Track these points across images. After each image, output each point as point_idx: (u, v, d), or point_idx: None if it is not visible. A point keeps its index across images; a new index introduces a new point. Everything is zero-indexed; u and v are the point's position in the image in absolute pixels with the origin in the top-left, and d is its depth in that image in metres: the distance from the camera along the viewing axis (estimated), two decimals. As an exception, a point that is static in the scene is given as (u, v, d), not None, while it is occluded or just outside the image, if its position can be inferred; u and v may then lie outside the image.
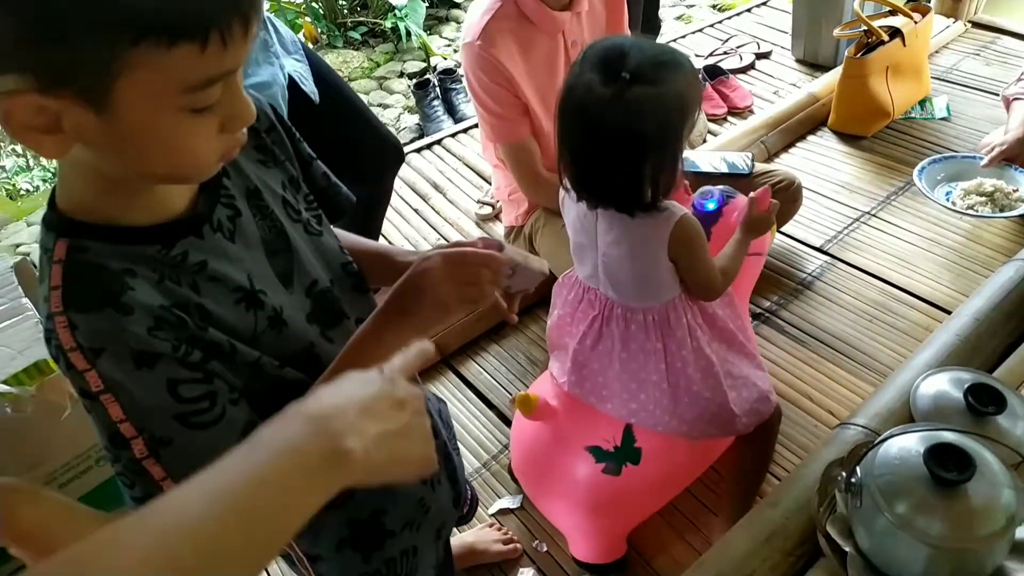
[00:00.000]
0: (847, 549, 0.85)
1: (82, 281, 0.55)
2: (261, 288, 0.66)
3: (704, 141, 2.43)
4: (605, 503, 1.30)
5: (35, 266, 1.37)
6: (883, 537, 0.81)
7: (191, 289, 0.60)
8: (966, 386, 0.98)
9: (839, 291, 1.91)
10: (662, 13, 3.22)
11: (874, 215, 2.13)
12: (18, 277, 1.23)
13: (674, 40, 3.13)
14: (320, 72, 1.60)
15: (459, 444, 1.37)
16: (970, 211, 1.92)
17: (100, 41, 0.47)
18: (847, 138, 2.42)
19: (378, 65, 3.64)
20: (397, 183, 2.46)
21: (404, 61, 3.63)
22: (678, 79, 1.01)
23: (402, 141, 2.94)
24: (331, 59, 3.44)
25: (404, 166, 2.55)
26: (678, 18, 3.70)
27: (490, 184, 2.36)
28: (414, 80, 3.25)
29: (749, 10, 3.27)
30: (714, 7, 3.70)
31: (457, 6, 3.99)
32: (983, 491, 0.78)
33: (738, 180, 1.74)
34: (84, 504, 1.11)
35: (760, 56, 2.91)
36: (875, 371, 1.70)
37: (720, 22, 3.21)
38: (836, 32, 2.45)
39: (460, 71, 2.96)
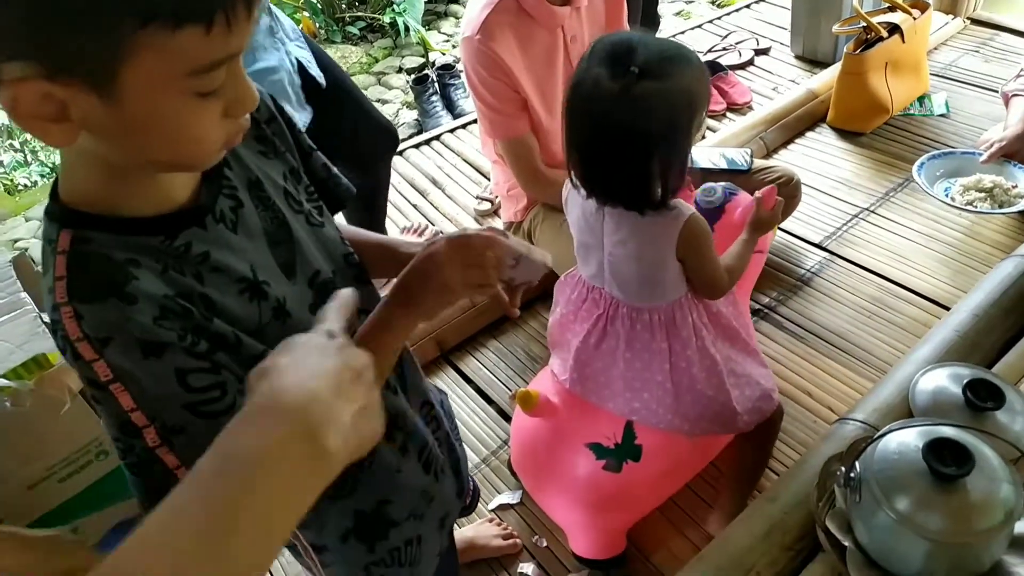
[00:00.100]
0: (846, 544, 0.85)
1: (86, 271, 0.55)
2: (264, 279, 0.66)
3: (703, 137, 2.43)
4: (605, 500, 1.31)
5: (34, 261, 1.37)
6: (882, 532, 0.81)
7: (195, 279, 0.60)
8: (965, 381, 0.98)
9: (838, 287, 1.92)
10: (661, 9, 3.22)
11: (873, 211, 2.13)
12: (16, 272, 1.22)
13: (673, 36, 3.13)
14: (315, 58, 1.61)
15: (458, 439, 1.37)
16: (969, 207, 1.92)
17: (107, 25, 0.46)
18: (846, 134, 2.42)
19: (376, 60, 3.63)
20: (396, 179, 2.46)
21: (403, 56, 3.63)
22: (687, 75, 1.01)
23: (400, 137, 2.94)
24: (329, 54, 3.43)
25: (403, 162, 2.57)
26: (677, 14, 3.69)
27: (489, 180, 2.36)
28: (412, 75, 3.25)
29: (748, 6, 3.26)
30: (713, 3, 3.70)
31: (456, 1, 3.98)
32: (982, 486, 0.78)
33: (737, 176, 1.74)
34: (83, 500, 1.11)
35: (759, 52, 2.91)
36: (874, 367, 1.70)
37: (719, 18, 3.21)
38: (835, 28, 2.45)
39: (459, 66, 2.96)
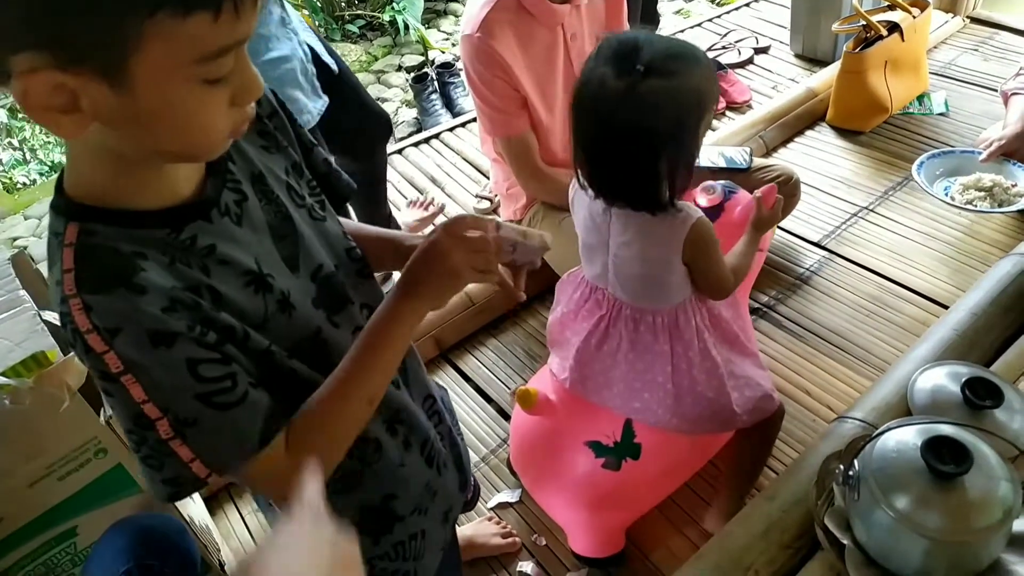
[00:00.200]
0: (845, 542, 0.85)
1: (94, 263, 0.55)
2: (269, 272, 0.66)
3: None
4: (604, 498, 1.31)
5: (33, 260, 1.36)
6: (880, 530, 0.81)
7: (202, 272, 0.61)
8: (963, 380, 0.98)
9: (837, 286, 1.92)
10: (661, 7, 3.22)
11: (872, 210, 2.13)
12: (15, 270, 1.22)
13: (672, 35, 3.13)
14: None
15: (457, 438, 1.37)
16: (969, 206, 1.92)
17: (118, 13, 0.47)
18: (845, 133, 2.42)
19: (376, 59, 3.63)
20: (395, 177, 2.47)
21: (402, 55, 3.63)
22: (694, 73, 1.00)
23: (400, 135, 2.94)
24: (329, 52, 3.43)
25: (402, 160, 2.56)
26: (677, 12, 3.69)
27: (488, 178, 2.36)
28: (412, 74, 3.24)
29: (748, 4, 3.26)
30: (713, 1, 3.70)
31: (455, -1, 3.98)
32: (980, 484, 0.78)
33: (736, 175, 1.74)
34: (82, 497, 1.11)
35: (758, 51, 2.91)
36: (873, 365, 1.70)
37: (719, 17, 3.21)
38: (835, 27, 2.45)
39: (458, 65, 2.96)
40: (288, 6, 1.54)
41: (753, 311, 1.86)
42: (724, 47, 2.93)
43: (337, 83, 1.64)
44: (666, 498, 1.41)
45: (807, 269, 1.98)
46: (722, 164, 1.78)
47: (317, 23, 3.67)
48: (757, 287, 1.90)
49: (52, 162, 3.17)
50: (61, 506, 1.12)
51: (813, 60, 2.82)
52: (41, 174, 3.14)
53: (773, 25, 3.06)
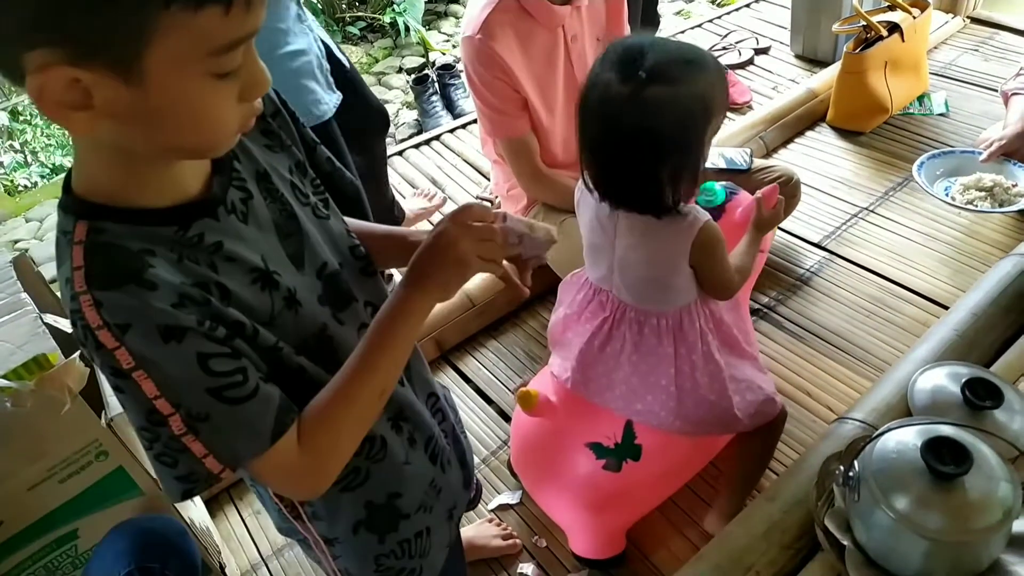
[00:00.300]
0: (845, 543, 0.85)
1: (104, 259, 0.56)
2: (275, 269, 0.67)
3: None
4: (605, 499, 1.31)
5: (34, 262, 1.37)
6: (881, 531, 0.82)
7: (210, 269, 0.61)
8: (963, 380, 0.99)
9: (837, 287, 1.92)
10: (661, 8, 3.22)
11: (872, 211, 2.13)
12: (17, 273, 1.22)
13: (672, 36, 3.13)
14: None
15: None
16: (969, 206, 1.92)
17: (132, 7, 0.48)
18: (845, 134, 2.42)
19: (376, 60, 3.63)
20: (396, 179, 2.47)
21: (403, 56, 3.63)
22: (700, 80, 1.00)
23: (400, 137, 2.95)
24: (329, 54, 3.44)
25: (403, 162, 2.57)
26: (677, 13, 3.69)
27: (489, 180, 2.36)
28: (413, 75, 3.25)
29: (748, 5, 3.26)
30: (713, 2, 3.70)
31: (456, 1, 3.98)
32: (980, 484, 0.78)
33: (737, 176, 1.74)
34: (83, 500, 1.11)
35: (759, 52, 2.91)
36: (873, 366, 1.70)
37: (719, 17, 3.20)
38: (835, 28, 2.44)
39: (459, 66, 2.96)
40: (303, 4, 1.57)
41: (753, 312, 1.86)
42: (724, 48, 2.93)
43: (347, 80, 1.66)
44: (667, 499, 1.41)
45: (807, 270, 1.98)
46: (722, 165, 1.78)
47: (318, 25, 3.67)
48: (757, 288, 1.90)
49: (53, 165, 3.17)
50: (62, 509, 1.12)
51: (813, 61, 2.82)
52: (42, 176, 3.15)
53: (773, 26, 3.06)
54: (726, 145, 2.13)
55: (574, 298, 1.32)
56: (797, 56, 2.87)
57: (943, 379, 1.04)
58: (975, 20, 2.87)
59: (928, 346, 1.17)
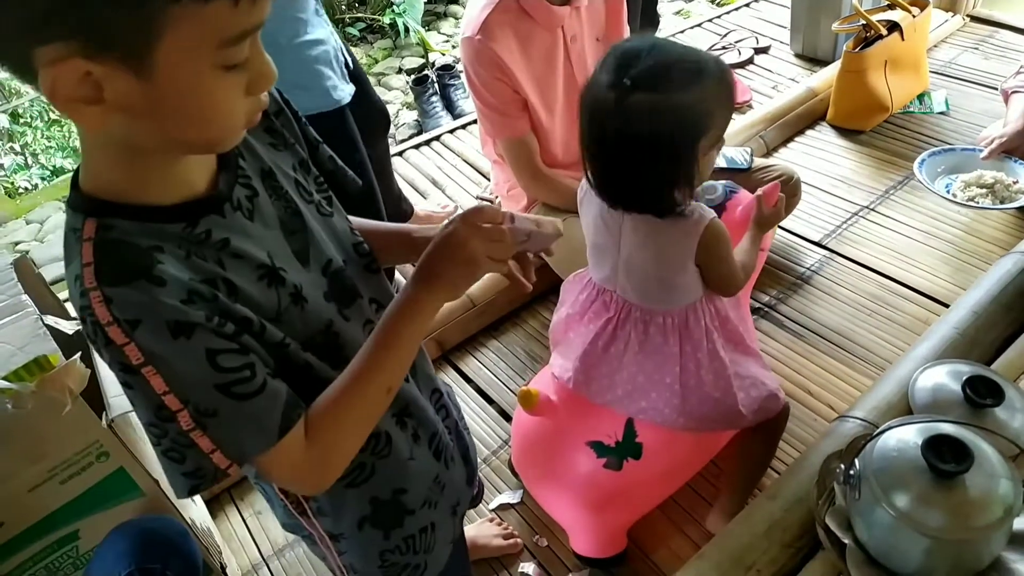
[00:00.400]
0: (846, 541, 0.85)
1: (114, 256, 0.56)
2: (281, 266, 0.67)
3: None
4: (606, 498, 1.31)
5: (35, 264, 1.37)
6: (881, 529, 0.81)
7: (217, 265, 0.61)
8: (964, 378, 0.99)
9: (838, 285, 1.92)
10: (661, 8, 3.22)
11: (873, 209, 2.13)
12: (17, 274, 1.22)
13: (672, 35, 3.13)
14: None
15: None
16: (971, 203, 1.92)
17: None
18: (846, 133, 2.42)
19: (376, 61, 3.64)
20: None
21: (402, 57, 3.63)
22: (692, 91, 0.97)
23: (400, 137, 2.95)
24: (329, 55, 3.44)
25: (403, 163, 2.57)
26: (677, 13, 3.69)
27: (489, 180, 2.36)
28: (412, 76, 3.25)
29: (748, 4, 3.26)
30: (713, 2, 3.70)
31: (455, 1, 3.99)
32: (981, 482, 0.78)
33: (737, 175, 1.74)
34: (84, 501, 1.12)
35: (759, 51, 2.91)
36: (874, 364, 1.70)
37: (719, 17, 3.20)
38: (835, 26, 2.44)
39: (459, 67, 2.96)
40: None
41: (754, 311, 1.86)
42: (724, 47, 2.93)
43: (353, 78, 1.68)
44: (668, 498, 1.41)
45: (808, 268, 1.98)
46: (723, 164, 1.78)
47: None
48: (758, 287, 1.90)
49: (54, 167, 3.18)
50: (63, 510, 1.12)
51: (813, 60, 2.82)
52: (43, 179, 3.15)
53: (773, 25, 3.06)
54: (726, 144, 2.12)
55: (576, 298, 1.32)
56: (797, 55, 2.87)
57: (944, 377, 1.04)
58: (975, 18, 2.87)
59: (929, 344, 1.17)
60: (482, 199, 2.33)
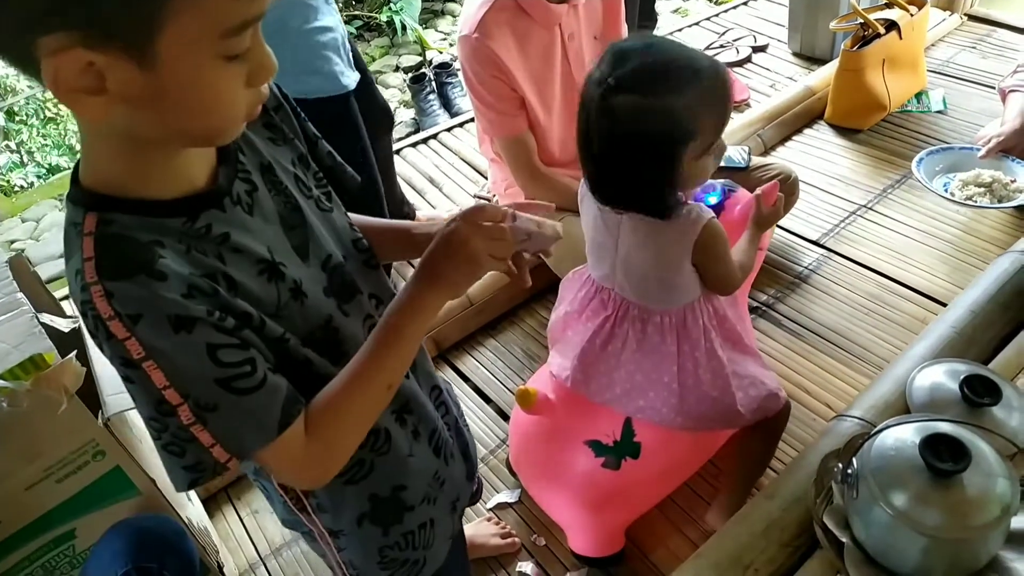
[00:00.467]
0: (844, 540, 0.85)
1: (115, 251, 0.56)
2: (281, 260, 0.67)
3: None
4: (604, 497, 1.31)
5: (30, 262, 1.36)
6: (879, 528, 0.81)
7: (217, 260, 0.61)
8: (962, 377, 0.98)
9: (835, 284, 1.92)
10: (659, 6, 3.22)
11: (870, 208, 2.13)
12: (12, 272, 1.22)
13: (670, 34, 3.13)
14: None
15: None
16: (968, 202, 1.92)
17: None
18: (843, 131, 2.42)
19: (373, 59, 3.63)
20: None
21: (400, 55, 3.62)
22: (678, 95, 0.96)
23: (398, 136, 2.94)
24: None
25: (400, 161, 2.56)
26: (675, 11, 3.69)
27: (486, 179, 2.36)
28: (410, 74, 3.24)
29: (746, 3, 3.26)
30: (710, 0, 3.69)
31: None
32: (978, 481, 0.78)
33: (735, 173, 1.74)
34: (80, 500, 1.11)
35: (756, 49, 2.91)
36: (871, 363, 1.70)
37: (716, 15, 3.20)
38: (832, 25, 2.44)
39: (456, 65, 2.96)
40: None
41: (752, 310, 1.86)
42: (722, 46, 2.93)
43: (358, 67, 1.70)
44: (666, 497, 1.41)
45: (806, 267, 1.98)
46: (720, 163, 1.78)
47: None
48: (756, 286, 1.90)
49: (50, 165, 3.17)
50: (59, 508, 1.12)
51: (811, 58, 2.82)
52: (39, 177, 3.14)
53: (771, 23, 3.06)
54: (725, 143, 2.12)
55: (576, 295, 1.32)
56: (795, 54, 2.87)
57: (941, 376, 1.04)
58: (972, 17, 2.87)
59: (926, 343, 1.17)
60: (479, 197, 2.33)
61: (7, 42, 0.51)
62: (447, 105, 2.96)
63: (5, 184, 3.09)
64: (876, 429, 0.87)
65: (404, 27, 3.54)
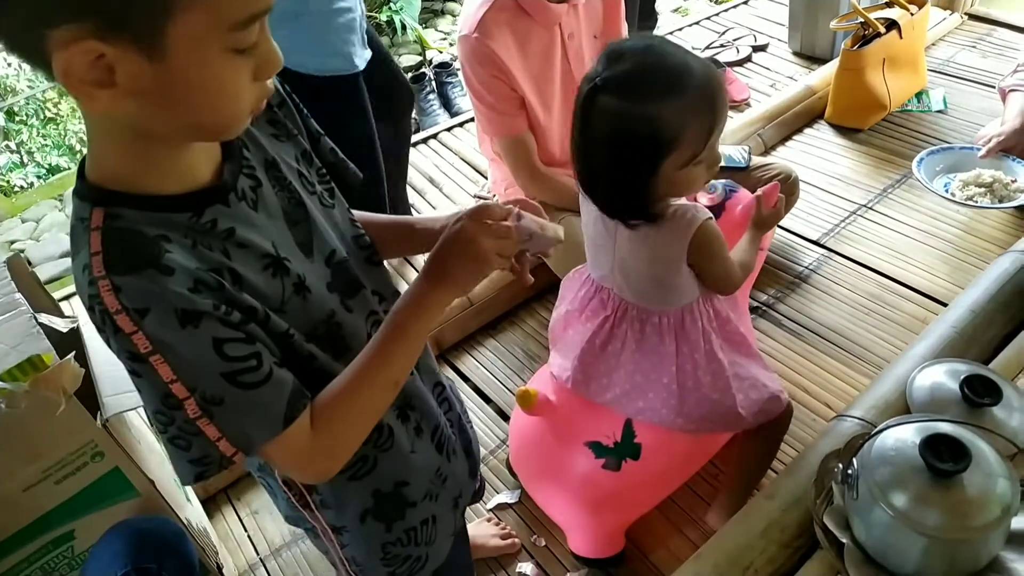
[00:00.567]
0: (844, 541, 0.85)
1: (122, 245, 0.57)
2: (285, 256, 0.68)
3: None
4: (604, 499, 1.30)
5: (29, 262, 1.36)
6: (880, 528, 0.81)
7: (223, 255, 0.62)
8: (962, 377, 0.98)
9: (836, 284, 1.91)
10: (659, 5, 3.21)
11: (871, 208, 2.12)
12: (11, 272, 1.22)
13: (670, 33, 3.12)
14: None
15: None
16: (969, 202, 1.92)
17: None
18: (844, 131, 2.42)
19: (374, 59, 3.62)
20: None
21: (400, 55, 3.62)
22: (661, 104, 0.94)
23: (398, 135, 2.93)
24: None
25: (400, 160, 2.56)
26: (675, 10, 3.69)
27: (486, 178, 2.36)
28: (410, 74, 3.24)
29: (746, 2, 3.25)
30: None
31: (453, -1, 3.98)
32: (979, 482, 0.78)
33: (735, 173, 1.74)
34: (79, 501, 1.11)
35: (757, 49, 2.91)
36: (871, 363, 1.70)
37: (717, 15, 3.20)
38: (833, 24, 2.44)
39: (456, 64, 2.96)
40: None
41: (752, 310, 1.86)
42: (722, 45, 2.92)
43: (376, 52, 1.74)
44: (666, 498, 1.41)
45: (806, 267, 1.98)
46: (721, 163, 1.78)
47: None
48: (756, 286, 1.90)
49: (49, 165, 3.17)
50: (58, 510, 1.12)
51: (811, 58, 2.81)
52: (39, 177, 3.14)
53: (771, 23, 3.06)
54: (724, 142, 2.12)
55: (576, 295, 1.32)
56: (795, 53, 2.87)
57: (942, 376, 1.03)
58: (973, 17, 2.87)
59: (927, 343, 1.17)
60: (480, 197, 2.33)
61: (20, 35, 0.51)
62: (447, 105, 2.96)
63: (5, 184, 3.09)
64: (876, 429, 0.86)
65: (404, 26, 3.54)
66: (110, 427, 1.11)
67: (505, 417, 1.72)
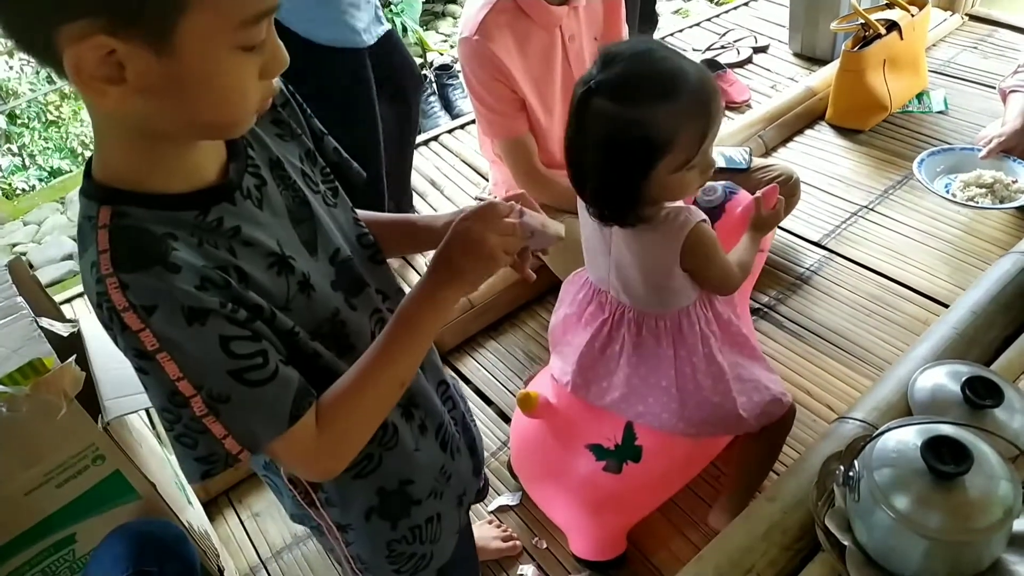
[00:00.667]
0: (845, 543, 0.85)
1: (130, 243, 0.57)
2: (290, 254, 0.68)
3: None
4: (606, 501, 1.30)
5: (31, 266, 1.36)
6: (881, 531, 0.81)
7: (229, 253, 0.62)
8: (963, 379, 0.98)
9: (837, 285, 1.91)
10: (660, 7, 3.21)
11: (872, 209, 2.12)
12: (12, 276, 1.22)
13: (671, 34, 3.13)
14: None
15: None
16: (970, 203, 1.92)
17: None
18: (845, 132, 2.42)
19: (374, 62, 3.63)
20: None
21: (400, 57, 3.62)
22: (652, 108, 0.94)
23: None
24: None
25: (401, 162, 2.56)
26: (676, 12, 3.69)
27: (487, 180, 2.36)
28: (411, 76, 3.24)
29: (746, 3, 3.26)
30: (711, 1, 3.69)
31: (454, 1, 3.98)
32: (980, 484, 0.78)
33: (736, 175, 1.74)
34: (80, 504, 1.11)
35: (757, 50, 2.91)
36: (873, 365, 1.70)
37: (717, 16, 3.20)
38: (833, 26, 2.44)
39: (457, 67, 2.96)
40: None
41: (753, 311, 1.86)
42: (723, 46, 2.92)
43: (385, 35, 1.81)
44: (667, 500, 1.41)
45: (807, 269, 1.97)
46: (722, 164, 1.78)
47: None
48: (757, 287, 1.89)
49: (51, 168, 3.18)
50: (59, 513, 1.12)
51: (812, 59, 2.81)
52: (40, 180, 3.15)
53: (772, 24, 3.06)
54: (725, 144, 2.12)
55: (575, 298, 1.32)
56: (796, 54, 2.87)
57: (943, 378, 1.03)
58: (973, 17, 2.87)
59: (928, 345, 1.16)
60: (480, 199, 2.32)
61: (31, 31, 0.51)
62: (448, 107, 2.96)
63: (7, 187, 3.10)
64: (878, 431, 0.86)
65: (405, 29, 3.54)
66: (111, 430, 1.11)
67: (506, 419, 1.72)
